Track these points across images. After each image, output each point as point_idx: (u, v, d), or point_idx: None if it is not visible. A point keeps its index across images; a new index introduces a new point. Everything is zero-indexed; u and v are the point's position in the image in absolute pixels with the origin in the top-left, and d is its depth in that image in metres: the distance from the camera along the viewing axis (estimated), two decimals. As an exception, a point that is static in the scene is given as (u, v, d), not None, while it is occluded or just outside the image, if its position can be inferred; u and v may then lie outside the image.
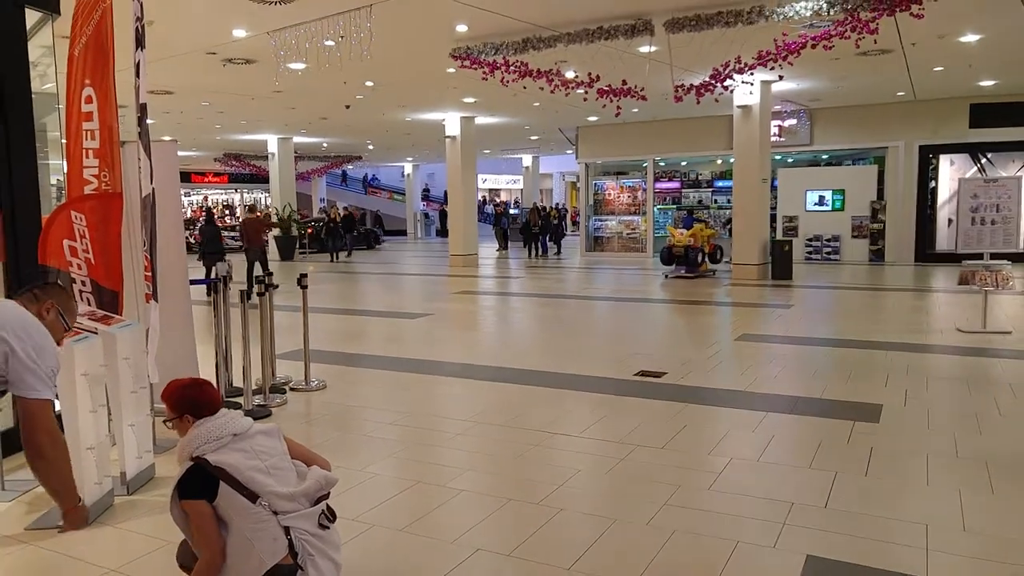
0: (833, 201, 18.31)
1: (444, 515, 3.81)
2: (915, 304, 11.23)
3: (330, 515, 2.72)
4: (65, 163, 4.96)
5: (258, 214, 16.46)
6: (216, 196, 36.09)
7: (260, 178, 28.27)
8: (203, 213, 17.70)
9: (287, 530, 2.56)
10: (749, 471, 4.34)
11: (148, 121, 4.54)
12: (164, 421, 2.84)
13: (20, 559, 3.39)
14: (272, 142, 22.87)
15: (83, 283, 4.64)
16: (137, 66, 4.54)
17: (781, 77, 12.15)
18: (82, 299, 4.60)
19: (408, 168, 36.75)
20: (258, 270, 14.63)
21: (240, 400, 5.78)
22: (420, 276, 17.70)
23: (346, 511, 3.83)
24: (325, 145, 26.35)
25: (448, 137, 18.85)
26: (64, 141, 4.90)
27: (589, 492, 4.10)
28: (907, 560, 3.19)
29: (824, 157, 19.50)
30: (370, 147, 27.76)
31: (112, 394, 4.12)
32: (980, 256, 8.58)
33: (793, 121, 18.27)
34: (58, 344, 3.60)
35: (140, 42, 4.45)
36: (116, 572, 3.24)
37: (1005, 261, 8.39)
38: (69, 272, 4.59)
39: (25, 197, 4.88)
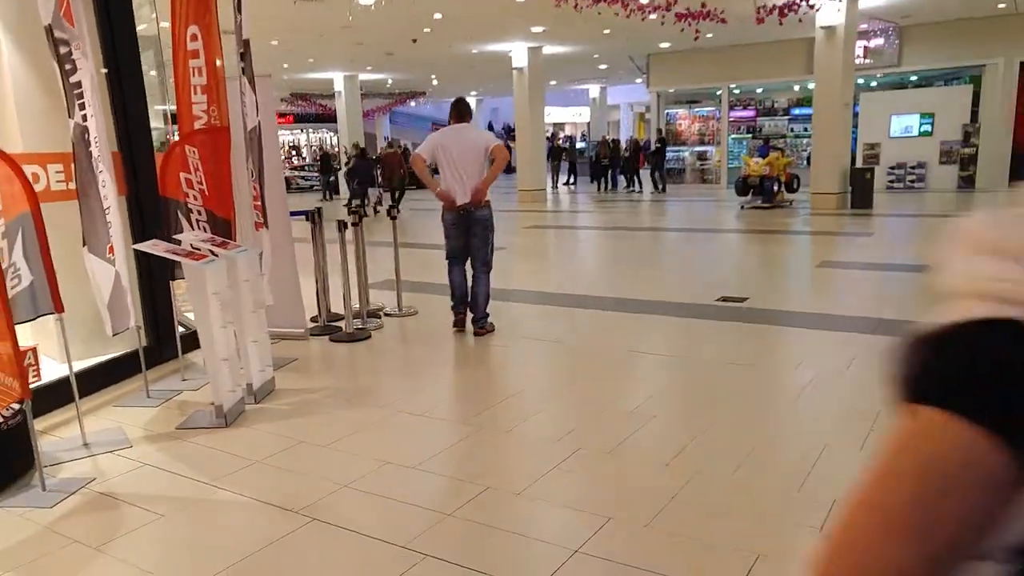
0: (920, 125, 17.52)
1: (543, 420, 4.11)
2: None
3: None
4: (173, 102, 5.28)
5: (395, 150, 19.10)
6: (283, 137, 36.60)
7: (326, 117, 28.64)
8: (355, 149, 19.77)
9: None
10: (834, 386, 4.50)
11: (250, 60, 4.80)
12: None
13: (179, 451, 3.86)
14: (338, 80, 23.08)
15: (199, 212, 4.99)
16: (238, 2, 4.79)
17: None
18: (199, 227, 4.96)
19: (472, 103, 36.58)
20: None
21: (341, 324, 6.18)
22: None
23: (452, 416, 4.19)
24: (390, 82, 26.46)
25: (515, 69, 18.73)
26: (172, 79, 5.20)
27: (679, 403, 4.34)
28: None
29: (912, 78, 18.57)
30: (434, 82, 27.72)
31: (235, 313, 4.52)
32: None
33: (880, 41, 17.27)
34: None
35: (243, -20, 4.69)
36: (259, 463, 3.65)
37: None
38: (186, 202, 4.96)
39: (140, 135, 5.25)
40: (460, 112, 5.81)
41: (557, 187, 22.91)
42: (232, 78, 5.11)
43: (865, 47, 17.07)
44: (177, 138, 5.33)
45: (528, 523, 3.02)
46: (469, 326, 5.97)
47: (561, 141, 24.11)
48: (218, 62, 4.95)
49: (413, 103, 34.06)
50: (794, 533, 2.83)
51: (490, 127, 40.25)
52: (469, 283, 5.88)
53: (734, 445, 3.66)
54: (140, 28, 5.87)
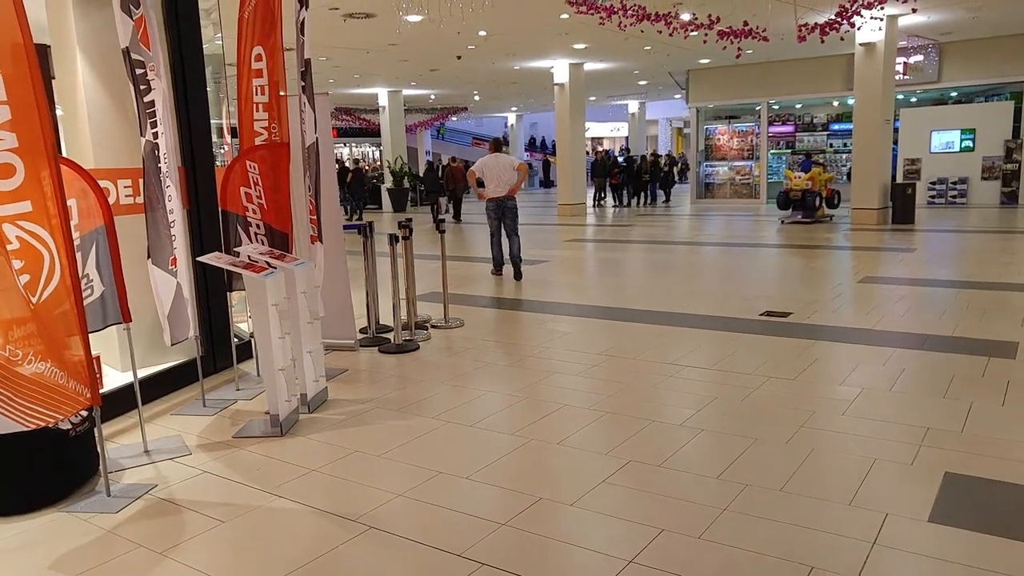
0: (961, 141, 17.32)
1: (592, 433, 4.16)
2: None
3: None
4: (235, 119, 5.49)
5: (459, 163, 20.75)
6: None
7: (369, 132, 29.09)
8: (427, 163, 23.49)
9: None
10: (881, 400, 4.48)
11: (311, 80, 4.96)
12: None
13: (236, 459, 3.98)
14: (383, 95, 23.48)
15: (257, 226, 5.18)
16: (302, 24, 4.97)
17: (915, 10, 11.55)
18: (257, 240, 5.14)
19: (512, 118, 36.85)
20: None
21: (390, 336, 6.31)
22: (530, 225, 18.03)
23: (504, 427, 4.26)
24: (432, 97, 26.83)
25: (556, 85, 18.88)
26: (236, 96, 5.41)
27: (727, 417, 4.36)
28: None
29: (952, 95, 18.40)
30: (476, 97, 28.05)
31: (292, 324, 4.65)
32: None
33: (920, 57, 17.25)
34: None
35: (305, 2, 4.87)
36: (315, 472, 3.76)
37: None
38: (245, 216, 5.14)
39: (203, 151, 5.46)
40: (497, 146, 9.80)
41: (604, 204, 22.67)
42: (292, 95, 5.29)
43: (905, 63, 16.97)
44: (236, 153, 5.51)
45: (582, 533, 3.07)
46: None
47: (607, 156, 23.87)
48: (279, 80, 5.13)
49: (455, 118, 34.44)
50: (846, 547, 2.84)
51: (531, 142, 40.54)
52: (505, 251, 9.51)
53: (783, 459, 3.68)
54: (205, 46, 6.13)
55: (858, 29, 11.06)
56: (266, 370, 4.30)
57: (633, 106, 32.62)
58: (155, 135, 4.08)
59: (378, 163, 23.71)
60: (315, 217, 5.14)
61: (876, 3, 9.41)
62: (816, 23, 10.27)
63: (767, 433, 4.02)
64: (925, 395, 4.55)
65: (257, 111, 5.03)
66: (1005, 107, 17.11)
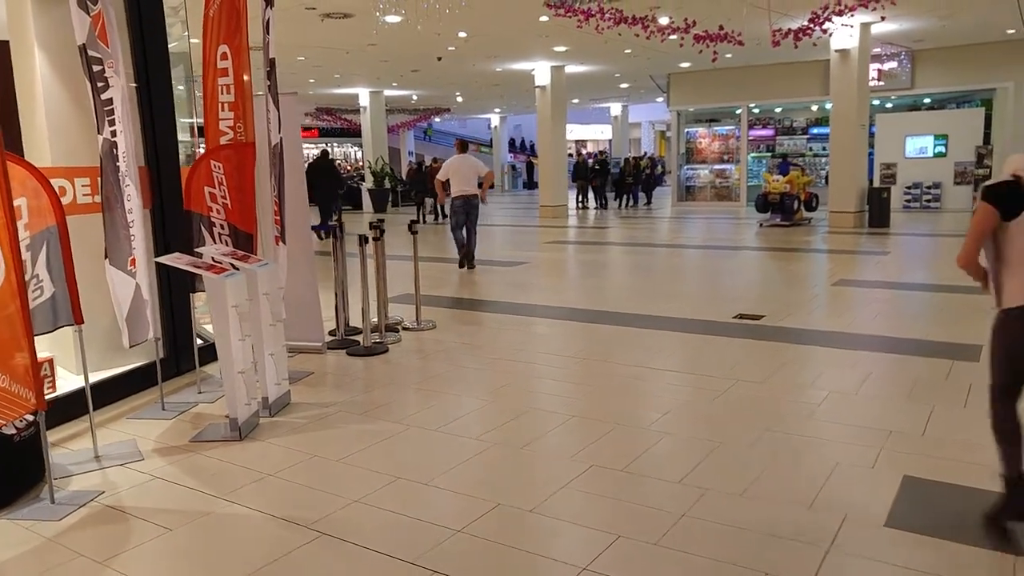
0: (935, 146, 17.51)
1: (558, 437, 4.12)
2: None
3: None
4: (200, 118, 5.40)
5: (439, 165, 20.77)
6: (307, 150, 36.87)
7: (350, 132, 28.94)
8: (414, 164, 23.06)
9: None
10: (847, 403, 4.48)
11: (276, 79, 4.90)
12: None
13: (191, 464, 3.90)
14: (364, 95, 23.36)
15: (221, 226, 5.08)
16: (267, 23, 4.91)
17: (883, 18, 11.64)
18: (220, 241, 5.05)
19: (495, 120, 36.81)
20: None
21: (359, 338, 6.24)
22: (510, 227, 18.00)
23: (468, 432, 4.21)
24: (415, 98, 26.75)
25: (538, 87, 18.87)
26: (202, 95, 5.33)
27: (693, 419, 4.34)
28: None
29: (926, 101, 18.59)
30: (459, 99, 27.99)
31: (254, 326, 4.57)
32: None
33: (893, 64, 17.44)
34: None
35: (270, 1, 4.80)
36: (271, 476, 3.69)
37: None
38: (209, 216, 5.04)
39: (167, 150, 5.36)
40: (463, 147, 10.46)
41: (587, 206, 22.54)
42: (258, 95, 5.21)
43: (879, 69, 17.16)
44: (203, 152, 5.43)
45: (537, 540, 3.02)
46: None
47: (591, 159, 23.70)
48: (245, 78, 5.05)
49: (438, 119, 34.37)
50: (802, 551, 2.82)
51: (512, 144, 40.53)
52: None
53: (746, 463, 3.65)
54: (171, 45, 6.03)
55: (830, 35, 11.12)
56: (226, 373, 4.23)
57: (616, 109, 32.69)
58: (113, 133, 4.00)
59: (360, 164, 23.56)
60: (279, 218, 5.07)
61: (847, 10, 9.46)
62: (789, 28, 10.32)
63: (732, 437, 4.00)
64: (890, 398, 4.55)
65: (223, 110, 4.95)
66: (976, 114, 17.34)
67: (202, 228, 4.82)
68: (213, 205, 4.92)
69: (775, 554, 2.82)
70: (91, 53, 3.93)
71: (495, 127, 36.96)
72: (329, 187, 15.53)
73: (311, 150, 36.61)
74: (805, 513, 3.12)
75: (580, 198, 22.65)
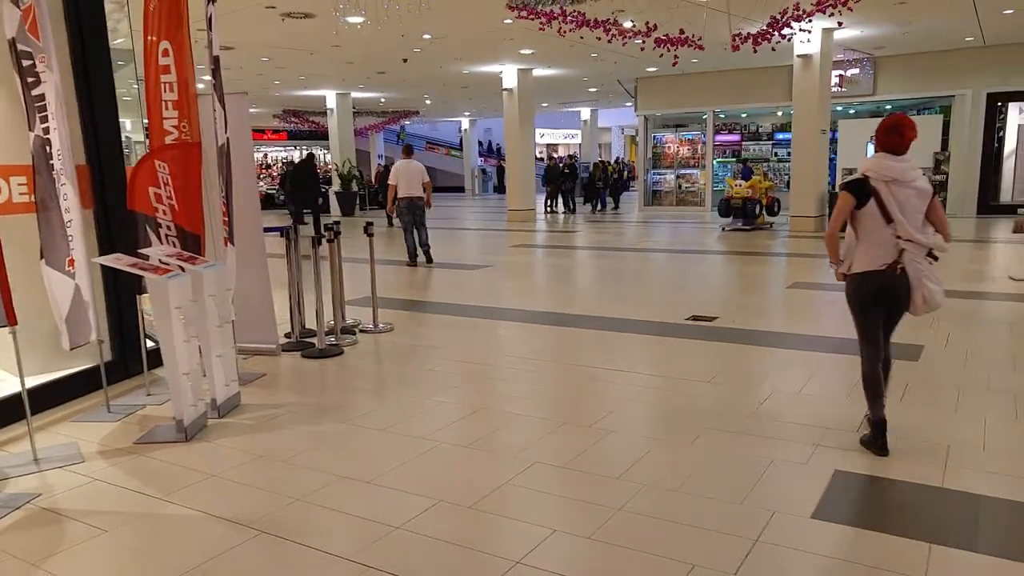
0: (896, 152, 17.85)
1: (504, 435, 4.15)
2: (972, 254, 11.07)
3: (934, 258, 3.68)
4: (144, 116, 5.31)
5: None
6: (275, 153, 36.59)
7: (319, 134, 28.75)
8: (382, 167, 23.10)
9: (901, 252, 3.57)
10: (788, 402, 4.57)
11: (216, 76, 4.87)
12: None
13: (133, 466, 3.87)
14: (331, 98, 23.24)
15: (168, 227, 5.01)
16: (209, 20, 4.87)
17: (841, 24, 11.85)
18: (167, 242, 4.99)
19: (465, 123, 36.82)
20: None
21: (314, 340, 6.21)
22: (478, 231, 18.02)
23: (416, 431, 4.22)
24: (383, 100, 26.66)
25: (505, 90, 18.91)
26: (144, 94, 5.23)
27: (637, 418, 4.39)
28: (925, 472, 3.48)
29: (887, 107, 18.94)
30: (427, 101, 27.94)
31: (200, 328, 4.54)
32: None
33: (856, 70, 17.75)
34: None
35: (213, -2, 4.77)
36: (215, 477, 3.68)
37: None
38: (155, 217, 4.98)
39: (110, 149, 5.28)
40: (409, 152, 11.34)
41: (556, 210, 22.50)
42: (204, 94, 5.17)
43: (842, 76, 17.46)
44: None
45: (475, 535, 3.04)
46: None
47: (560, 163, 23.64)
48: (188, 76, 4.98)
49: (407, 122, 34.27)
50: (730, 544, 2.88)
51: (483, 147, 40.52)
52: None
53: (684, 460, 3.71)
54: (119, 42, 5.94)
55: (788, 40, 11.30)
56: (170, 374, 4.20)
57: (585, 113, 32.88)
58: (46, 130, 3.95)
59: (328, 167, 23.39)
60: (227, 219, 5.04)
61: (804, 16, 9.62)
62: (749, 33, 10.46)
63: (674, 435, 4.06)
64: (830, 397, 4.65)
65: (167, 109, 4.89)
66: (935, 120, 17.68)
67: (148, 229, 4.78)
68: (159, 206, 4.87)
69: (703, 547, 2.87)
70: (20, 47, 3.87)
71: (465, 130, 36.94)
72: (311, 190, 16.54)
73: (279, 153, 36.44)
74: (736, 507, 3.19)
75: (549, 202, 22.70)
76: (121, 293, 5.18)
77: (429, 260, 11.24)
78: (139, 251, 4.60)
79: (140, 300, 5.03)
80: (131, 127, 7.34)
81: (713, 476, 3.52)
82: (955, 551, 2.80)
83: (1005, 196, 17.07)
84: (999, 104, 16.89)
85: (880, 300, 3.71)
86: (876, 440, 3.69)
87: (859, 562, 2.74)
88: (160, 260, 4.45)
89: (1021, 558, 2.75)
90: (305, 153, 17.51)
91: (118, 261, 4.17)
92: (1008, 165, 17.08)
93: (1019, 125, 16.80)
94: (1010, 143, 16.97)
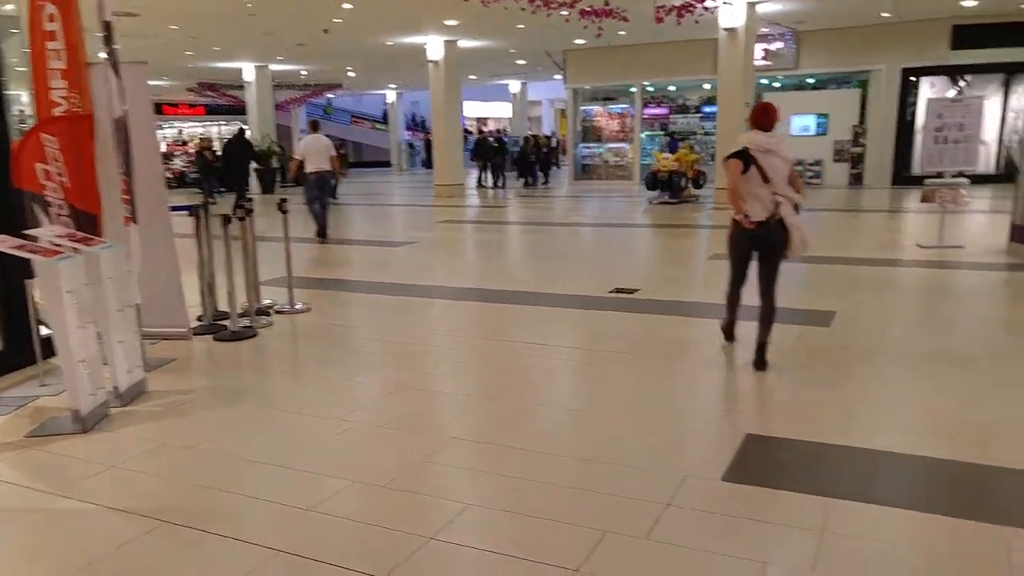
0: (817, 125, 18.35)
1: (422, 414, 4.08)
2: (884, 224, 11.52)
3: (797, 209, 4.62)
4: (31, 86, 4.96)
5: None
6: (193, 129, 35.01)
7: (237, 109, 27.75)
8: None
9: (777, 204, 4.40)
10: (704, 371, 4.66)
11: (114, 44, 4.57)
12: None
13: (27, 460, 3.65)
14: (248, 70, 22.42)
15: (59, 206, 4.67)
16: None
17: (763, -3, 12.00)
18: (59, 222, 4.66)
19: (391, 96, 36.10)
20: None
21: (227, 323, 5.98)
22: (404, 207, 17.78)
23: (331, 412, 4.10)
24: (304, 73, 25.92)
25: (430, 62, 18.58)
26: (29, 62, 4.86)
27: (557, 390, 4.40)
28: (832, 432, 3.59)
29: (810, 81, 19.40)
30: (351, 74, 27.28)
31: (99, 312, 4.29)
32: (943, 176, 8.83)
33: (780, 44, 18.10)
34: None
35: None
36: (114, 468, 3.49)
37: (964, 179, 8.64)
38: (44, 195, 4.65)
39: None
40: (315, 127, 11.20)
41: (486, 185, 22.34)
42: (98, 64, 4.85)
43: (766, 49, 17.76)
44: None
45: (387, 514, 2.97)
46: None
47: (490, 137, 23.40)
48: (77, 43, 4.64)
49: (331, 95, 33.40)
50: (641, 510, 2.89)
51: (413, 120, 39.84)
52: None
53: (602, 429, 3.72)
54: (9, 8, 5.54)
55: (714, 13, 11.40)
56: (65, 362, 3.96)
57: (515, 86, 32.65)
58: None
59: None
60: (128, 196, 4.77)
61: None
62: (673, 5, 10.50)
63: (592, 405, 4.08)
64: (743, 363, 4.72)
65: (54, 78, 4.57)
66: (853, 94, 18.27)
67: (36, 208, 4.48)
68: (48, 183, 4.56)
69: (615, 513, 2.88)
70: None
71: (391, 103, 36.18)
72: (243, 161, 17.59)
73: (196, 128, 34.89)
74: (646, 474, 3.21)
75: (480, 177, 22.54)
76: (8, 278, 4.85)
77: (324, 238, 10.99)
78: (27, 232, 4.32)
79: (30, 285, 4.72)
80: (28, 99, 6.90)
81: (628, 444, 3.53)
82: (851, 503, 2.90)
83: (917, 168, 17.73)
84: (912, 79, 17.46)
85: (755, 244, 4.56)
86: (726, 335, 5.00)
87: (766, 520, 2.81)
88: (50, 241, 4.18)
89: (914, 507, 2.87)
90: (236, 129, 17.05)
91: (1, 243, 3.90)
92: (920, 138, 17.74)
93: (928, 99, 17.42)
94: (921, 117, 17.59)
